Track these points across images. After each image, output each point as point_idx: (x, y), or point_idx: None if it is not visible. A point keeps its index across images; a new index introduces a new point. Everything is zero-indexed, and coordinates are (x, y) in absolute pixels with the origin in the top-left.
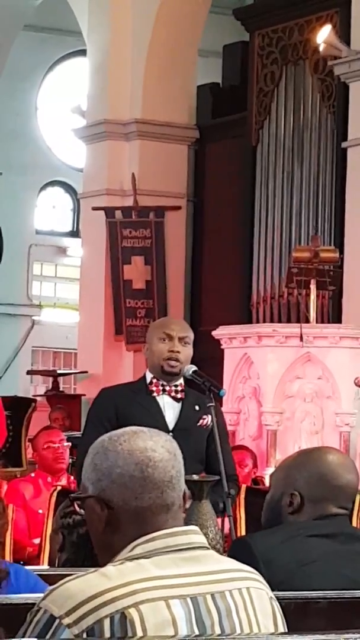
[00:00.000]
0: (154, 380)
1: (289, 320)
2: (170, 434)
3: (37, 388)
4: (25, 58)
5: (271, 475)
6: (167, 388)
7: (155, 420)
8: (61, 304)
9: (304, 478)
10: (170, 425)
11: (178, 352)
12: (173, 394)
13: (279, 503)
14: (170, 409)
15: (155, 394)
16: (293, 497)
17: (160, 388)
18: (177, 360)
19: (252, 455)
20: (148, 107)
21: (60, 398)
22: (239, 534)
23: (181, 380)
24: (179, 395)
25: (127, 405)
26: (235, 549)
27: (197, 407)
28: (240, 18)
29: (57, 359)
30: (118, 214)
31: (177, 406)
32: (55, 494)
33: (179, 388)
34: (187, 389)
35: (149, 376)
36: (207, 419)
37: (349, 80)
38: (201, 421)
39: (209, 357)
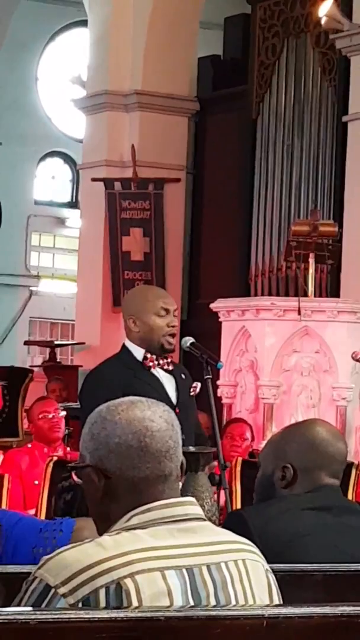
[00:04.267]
0: (148, 355)
1: (287, 294)
2: (176, 408)
3: (34, 359)
4: (26, 28)
5: (259, 454)
6: (161, 361)
7: (160, 395)
8: (59, 275)
9: (295, 449)
10: (174, 400)
11: (176, 326)
12: (165, 366)
13: (271, 479)
14: (168, 383)
15: (151, 369)
16: (285, 470)
17: (155, 362)
18: (174, 335)
19: (251, 429)
20: (148, 79)
21: (57, 369)
22: (234, 507)
23: None
24: (170, 367)
25: (132, 383)
26: (229, 522)
27: (183, 376)
28: None
29: (54, 330)
30: (117, 186)
31: (172, 378)
32: (51, 464)
33: (169, 359)
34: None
35: (137, 350)
36: (198, 387)
37: (350, 53)
38: (193, 390)
39: (207, 329)
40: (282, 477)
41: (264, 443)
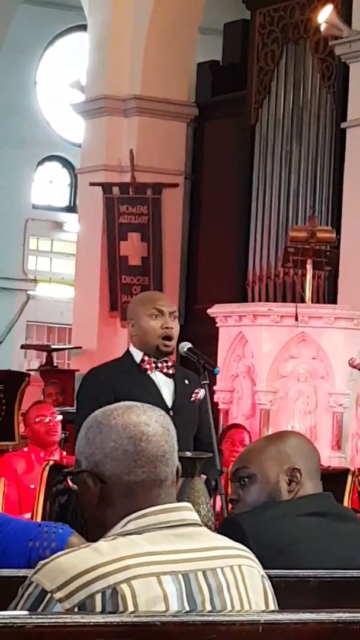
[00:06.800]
0: (146, 358)
1: (284, 300)
2: (171, 411)
3: (31, 363)
4: (25, 32)
5: (248, 465)
6: (160, 365)
7: (154, 398)
8: (57, 279)
9: (298, 453)
10: (169, 403)
11: (171, 328)
12: (165, 370)
13: (277, 485)
14: (165, 386)
15: (149, 372)
16: (294, 472)
17: (153, 365)
18: (171, 337)
19: (249, 435)
20: (147, 84)
21: (54, 373)
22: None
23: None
24: (170, 371)
25: (124, 385)
26: (225, 527)
27: (186, 381)
28: None
29: (51, 334)
30: (115, 190)
31: (171, 382)
32: (47, 468)
33: (170, 363)
34: (175, 363)
35: (137, 353)
36: (200, 393)
37: (349, 60)
38: (194, 395)
39: (204, 335)
40: (289, 482)
41: None
